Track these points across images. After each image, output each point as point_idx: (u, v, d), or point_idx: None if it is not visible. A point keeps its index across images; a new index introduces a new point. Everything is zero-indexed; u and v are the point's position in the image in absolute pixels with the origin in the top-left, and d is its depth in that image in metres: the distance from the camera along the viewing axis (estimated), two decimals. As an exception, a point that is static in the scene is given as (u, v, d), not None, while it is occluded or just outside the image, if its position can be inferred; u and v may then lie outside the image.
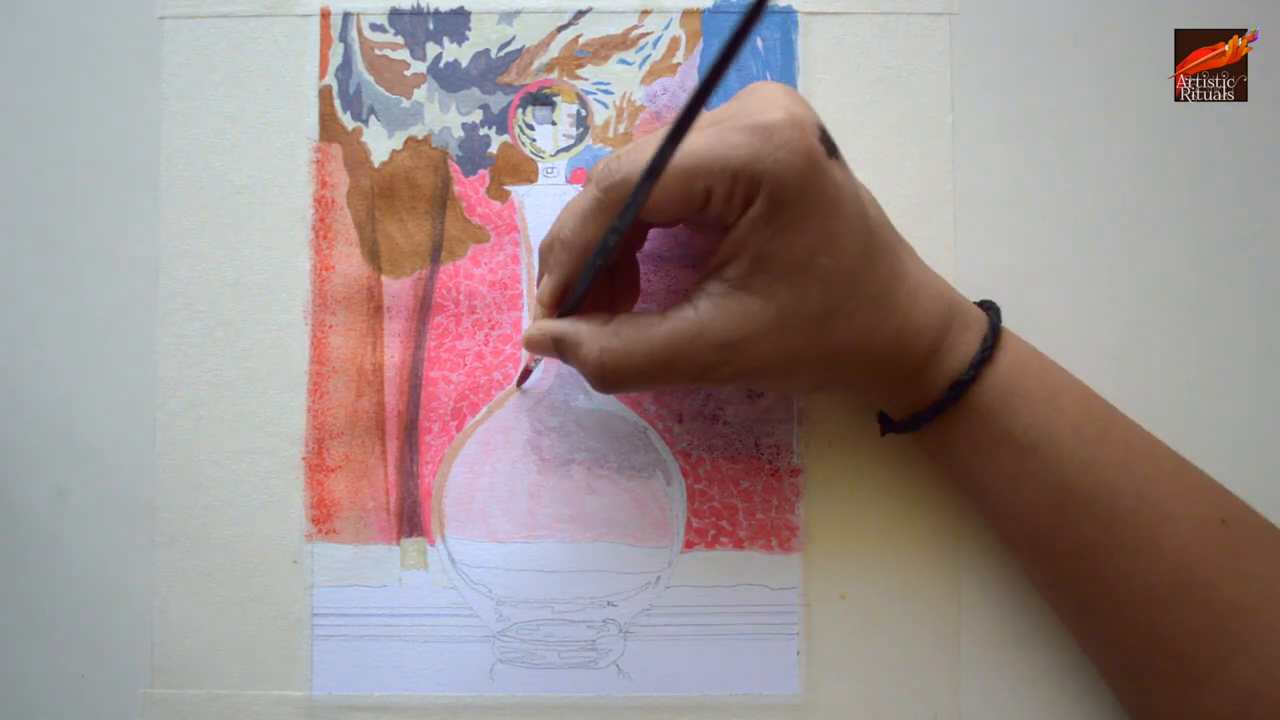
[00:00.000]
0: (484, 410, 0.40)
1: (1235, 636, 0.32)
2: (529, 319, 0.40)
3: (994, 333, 0.34)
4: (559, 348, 0.34)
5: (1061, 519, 0.34)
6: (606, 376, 0.33)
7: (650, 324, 0.32)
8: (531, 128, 0.40)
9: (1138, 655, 0.35)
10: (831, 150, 0.32)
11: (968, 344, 0.34)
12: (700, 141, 0.31)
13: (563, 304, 0.34)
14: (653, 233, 0.39)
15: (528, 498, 0.40)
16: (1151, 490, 0.33)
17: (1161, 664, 0.34)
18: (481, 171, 0.40)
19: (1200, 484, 0.35)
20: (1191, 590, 0.33)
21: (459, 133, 0.40)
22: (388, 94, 0.40)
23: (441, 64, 0.40)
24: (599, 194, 0.32)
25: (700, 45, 0.40)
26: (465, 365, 0.40)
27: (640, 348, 0.32)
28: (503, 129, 0.40)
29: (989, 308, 0.36)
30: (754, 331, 0.32)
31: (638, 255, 0.38)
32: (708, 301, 0.32)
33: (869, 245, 0.32)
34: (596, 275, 0.32)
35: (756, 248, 0.31)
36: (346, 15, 0.40)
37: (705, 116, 0.32)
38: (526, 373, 0.40)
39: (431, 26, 0.41)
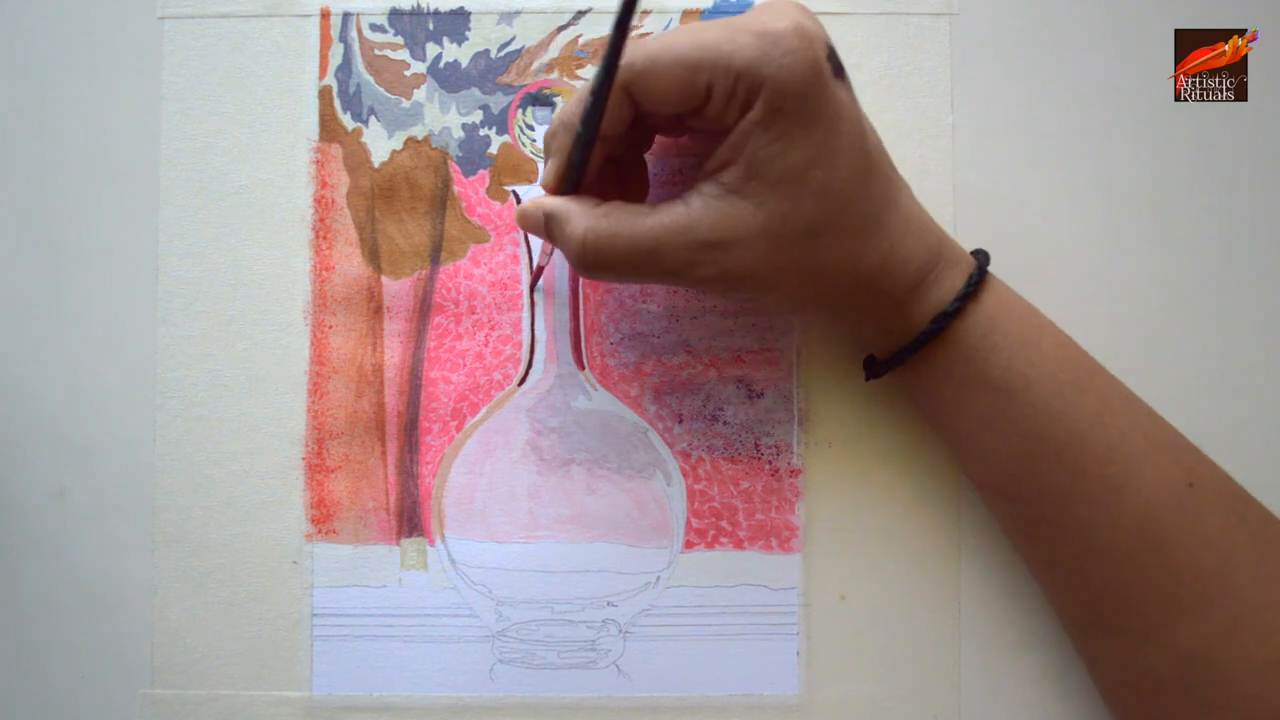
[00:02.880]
0: (484, 410, 0.40)
1: (1186, 600, 0.33)
2: (528, 319, 0.40)
3: (980, 272, 0.35)
4: (549, 223, 0.34)
5: (1030, 465, 0.34)
6: (588, 256, 0.33)
7: (640, 213, 0.33)
8: (531, 128, 0.40)
9: (1091, 608, 0.35)
10: (838, 70, 0.32)
11: (953, 280, 0.35)
12: (708, 36, 0.31)
13: (563, 186, 0.35)
14: None
15: (528, 498, 0.40)
16: (1122, 445, 0.34)
17: (1111, 619, 0.34)
18: (481, 172, 0.40)
19: (1173, 444, 0.35)
20: (1149, 549, 0.33)
21: (459, 133, 0.40)
22: (388, 94, 0.40)
23: (441, 64, 0.40)
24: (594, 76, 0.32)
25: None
26: (465, 365, 0.40)
27: (626, 232, 0.33)
28: (503, 129, 0.40)
29: (978, 253, 0.36)
30: (741, 235, 0.32)
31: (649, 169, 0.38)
32: (700, 200, 0.32)
33: (865, 167, 0.33)
34: (587, 148, 0.33)
35: (752, 153, 0.31)
36: (346, 15, 0.40)
37: (719, 20, 0.33)
38: (539, 270, 0.39)
39: (431, 27, 0.41)
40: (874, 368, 0.38)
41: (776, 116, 0.31)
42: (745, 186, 0.32)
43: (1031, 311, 0.36)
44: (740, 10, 0.40)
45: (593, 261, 0.33)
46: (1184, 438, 0.35)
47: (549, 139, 0.35)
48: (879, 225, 0.33)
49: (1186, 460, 0.34)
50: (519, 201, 0.40)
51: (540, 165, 0.40)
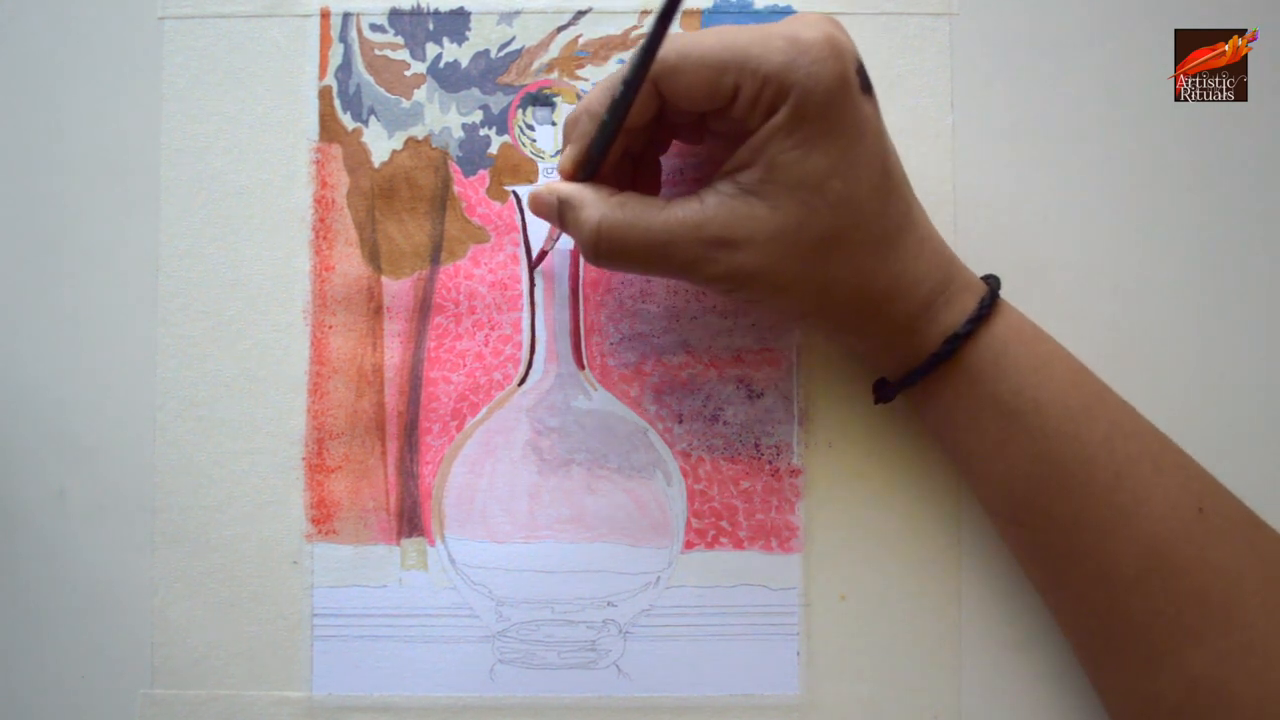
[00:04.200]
0: (484, 411, 0.40)
1: (1194, 626, 0.33)
2: (528, 319, 0.40)
3: (993, 295, 0.35)
4: (562, 209, 0.34)
5: (1039, 490, 0.34)
6: (601, 244, 0.33)
7: (654, 205, 0.33)
8: (532, 128, 0.40)
9: (1100, 634, 0.35)
10: (866, 86, 0.32)
11: (965, 303, 0.35)
12: (740, 38, 0.31)
13: (580, 173, 0.35)
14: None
15: (528, 498, 0.40)
16: (1131, 471, 0.34)
17: (1120, 644, 0.34)
18: (481, 172, 0.40)
19: (1183, 469, 0.35)
20: (1157, 575, 0.33)
21: (459, 133, 0.40)
22: (388, 94, 0.40)
23: (441, 64, 0.40)
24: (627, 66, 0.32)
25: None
26: (465, 366, 0.40)
27: (640, 223, 0.33)
28: (503, 129, 0.40)
29: (989, 278, 0.36)
30: (754, 235, 0.32)
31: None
32: (715, 198, 0.32)
33: (884, 185, 0.33)
34: (611, 137, 0.33)
35: (772, 157, 0.31)
36: (346, 15, 0.40)
37: (752, 25, 0.32)
38: (543, 254, 0.39)
39: (431, 27, 0.41)
40: (884, 390, 0.37)
41: (800, 123, 0.31)
42: (762, 189, 0.32)
43: (1042, 336, 0.36)
44: (741, 10, 0.40)
45: (605, 250, 0.33)
46: (1194, 462, 0.35)
47: (570, 125, 0.35)
48: (893, 244, 0.33)
49: (1196, 486, 0.34)
50: (519, 202, 0.40)
51: (540, 165, 0.40)
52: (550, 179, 0.40)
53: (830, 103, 0.31)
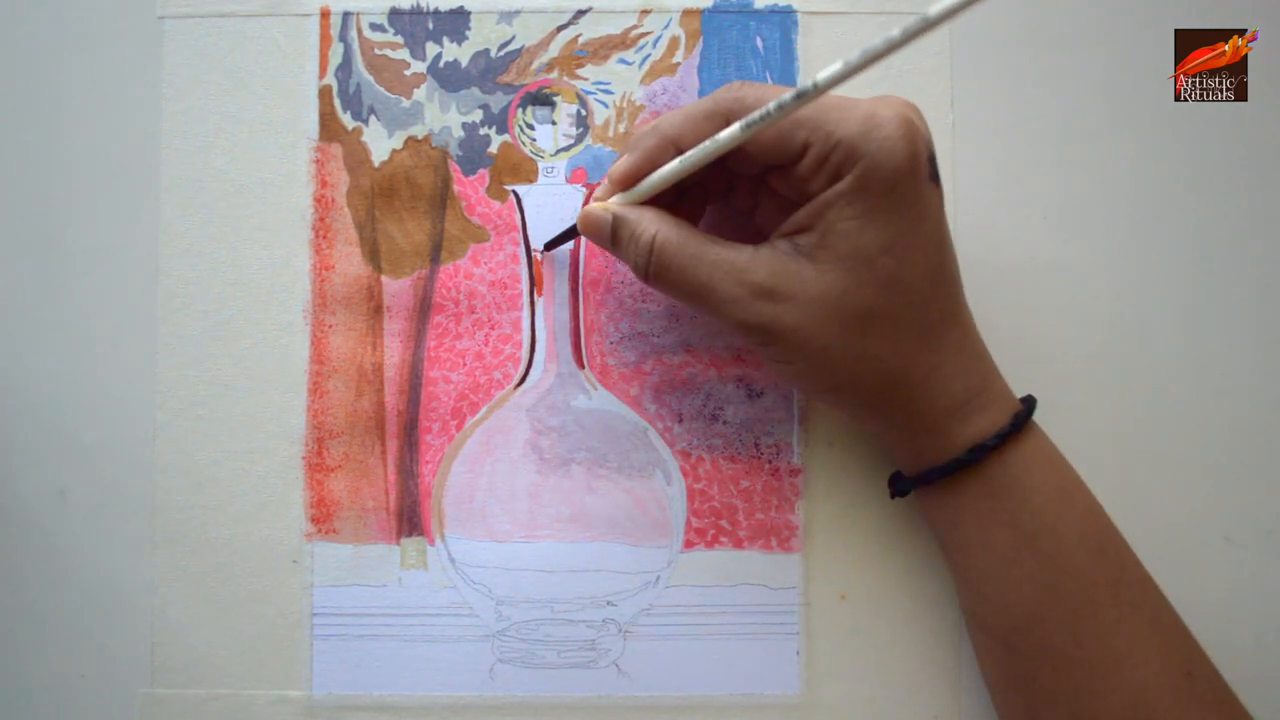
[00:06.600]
0: (484, 410, 0.40)
1: None
2: (528, 319, 0.40)
3: (1027, 414, 0.35)
4: (616, 224, 0.34)
5: (1041, 617, 0.34)
6: (654, 257, 0.34)
7: (710, 239, 0.34)
8: (532, 127, 0.40)
9: None
10: (934, 176, 0.32)
11: (998, 414, 0.34)
12: (821, 101, 0.31)
13: (630, 188, 0.35)
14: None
15: (527, 497, 0.40)
16: (1131, 619, 0.33)
17: None
18: (481, 171, 0.40)
19: (1177, 629, 0.34)
20: None
21: (459, 132, 0.40)
22: (387, 93, 0.40)
23: (441, 64, 0.41)
24: (713, 104, 0.33)
25: (700, 45, 0.40)
26: (465, 365, 0.40)
27: (692, 248, 0.33)
28: (503, 129, 0.40)
29: (1027, 399, 0.36)
30: (797, 292, 0.32)
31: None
32: (769, 251, 0.33)
33: (936, 273, 0.33)
34: (686, 171, 0.33)
35: (831, 223, 0.32)
36: (346, 15, 0.40)
37: (835, 96, 0.33)
38: (560, 240, 0.39)
39: (431, 26, 0.41)
40: (900, 484, 0.37)
41: (863, 193, 0.31)
42: (816, 253, 0.32)
43: (1065, 465, 0.35)
44: (741, 9, 0.40)
45: (656, 266, 0.34)
46: (1188, 630, 0.34)
47: (636, 136, 0.35)
48: (935, 333, 0.33)
49: (1187, 650, 0.34)
50: (519, 201, 0.40)
51: (540, 165, 0.40)
52: (552, 178, 0.40)
53: (896, 180, 0.31)
